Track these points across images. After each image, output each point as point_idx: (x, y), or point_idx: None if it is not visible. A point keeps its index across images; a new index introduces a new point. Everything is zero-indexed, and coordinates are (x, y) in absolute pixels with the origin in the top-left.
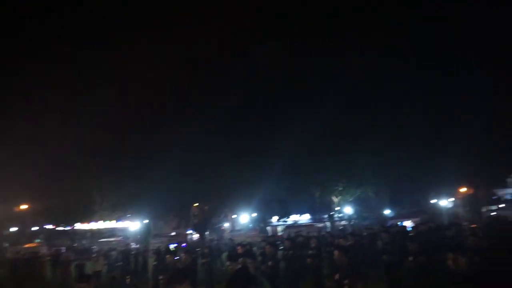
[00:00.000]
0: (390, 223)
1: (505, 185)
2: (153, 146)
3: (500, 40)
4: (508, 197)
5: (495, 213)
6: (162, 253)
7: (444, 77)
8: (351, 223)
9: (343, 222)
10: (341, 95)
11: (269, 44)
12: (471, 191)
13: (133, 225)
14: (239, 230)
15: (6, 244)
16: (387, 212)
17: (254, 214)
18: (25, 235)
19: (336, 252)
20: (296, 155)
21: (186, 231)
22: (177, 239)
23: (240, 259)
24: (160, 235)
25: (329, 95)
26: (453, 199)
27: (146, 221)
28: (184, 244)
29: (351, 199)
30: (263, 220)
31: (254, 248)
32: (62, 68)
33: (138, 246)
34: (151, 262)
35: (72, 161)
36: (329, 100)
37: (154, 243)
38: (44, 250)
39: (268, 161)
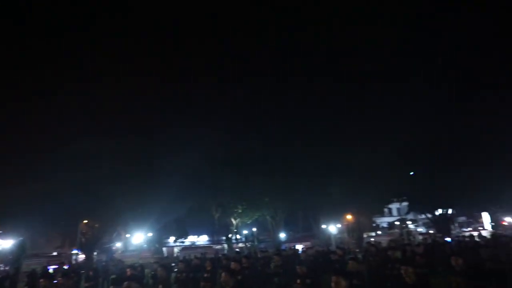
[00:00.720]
0: (284, 246)
1: (382, 214)
2: (36, 152)
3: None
4: (384, 224)
5: (373, 239)
6: (36, 277)
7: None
8: (248, 245)
9: (240, 245)
10: (240, 120)
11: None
12: (355, 218)
13: (4, 243)
14: (132, 251)
15: None
16: (282, 235)
17: (150, 234)
18: None
19: (223, 275)
20: (196, 176)
21: (72, 250)
22: (60, 260)
23: (125, 283)
24: (39, 255)
25: (229, 118)
26: (340, 225)
27: (20, 238)
28: (66, 266)
29: (249, 222)
30: (158, 241)
31: (147, 271)
32: None
33: (7, 268)
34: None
35: None
36: (230, 122)
37: (30, 265)
38: None
39: (166, 180)
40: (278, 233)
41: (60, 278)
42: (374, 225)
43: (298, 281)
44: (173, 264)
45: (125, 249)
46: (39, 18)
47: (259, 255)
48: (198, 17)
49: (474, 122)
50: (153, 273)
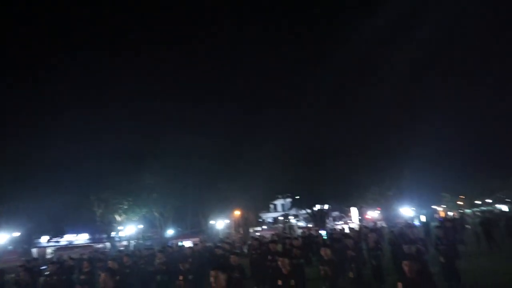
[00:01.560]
0: (171, 243)
1: (268, 210)
2: None
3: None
4: (270, 220)
5: (258, 233)
6: None
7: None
8: (133, 243)
9: (124, 243)
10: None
11: None
12: (242, 214)
13: None
14: None
15: None
16: (170, 232)
17: (16, 234)
18: None
19: (102, 275)
20: (77, 168)
21: None
22: None
23: None
24: None
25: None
26: (228, 220)
27: None
28: None
29: (135, 219)
30: (27, 241)
31: (11, 276)
32: None
33: None
34: None
35: None
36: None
37: None
38: None
39: (39, 170)
40: (166, 229)
41: None
42: (260, 220)
43: (181, 277)
44: (43, 267)
45: None
46: None
47: (144, 253)
48: None
49: (346, 136)
50: (16, 278)
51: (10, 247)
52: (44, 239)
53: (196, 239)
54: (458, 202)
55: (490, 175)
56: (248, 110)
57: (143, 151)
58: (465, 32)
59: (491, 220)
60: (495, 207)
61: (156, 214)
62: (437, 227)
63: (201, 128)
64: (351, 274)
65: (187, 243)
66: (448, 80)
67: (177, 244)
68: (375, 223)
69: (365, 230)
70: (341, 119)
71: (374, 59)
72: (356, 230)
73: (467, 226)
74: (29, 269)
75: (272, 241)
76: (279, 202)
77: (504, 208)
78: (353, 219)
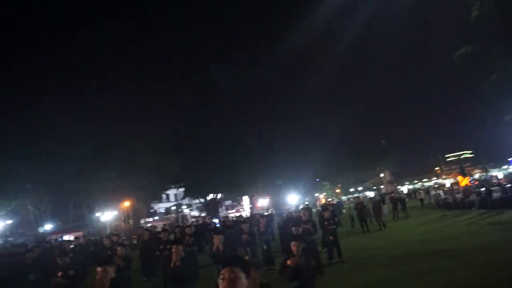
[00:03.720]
0: (49, 238)
1: (160, 200)
2: None
3: None
4: (162, 210)
5: (149, 224)
6: None
7: None
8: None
9: None
10: None
11: None
12: (132, 204)
13: None
14: None
15: None
16: (48, 227)
17: None
18: None
19: None
20: None
21: None
22: None
23: None
24: None
25: None
26: (116, 212)
27: None
28: None
29: (3, 213)
30: None
31: None
32: None
33: None
34: None
35: None
36: None
37: None
38: None
39: None
40: (42, 224)
41: None
42: (151, 211)
43: (60, 273)
44: None
45: None
46: None
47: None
48: None
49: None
50: None
51: None
52: None
53: (79, 233)
54: (336, 190)
55: (361, 168)
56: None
57: (12, 139)
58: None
59: (362, 204)
60: (364, 194)
61: (29, 207)
62: (323, 210)
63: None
64: (246, 257)
65: (68, 237)
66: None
67: (56, 239)
68: (266, 210)
69: (257, 216)
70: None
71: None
72: (248, 217)
73: (343, 210)
74: None
75: (164, 230)
76: (171, 192)
77: (371, 194)
78: (245, 208)
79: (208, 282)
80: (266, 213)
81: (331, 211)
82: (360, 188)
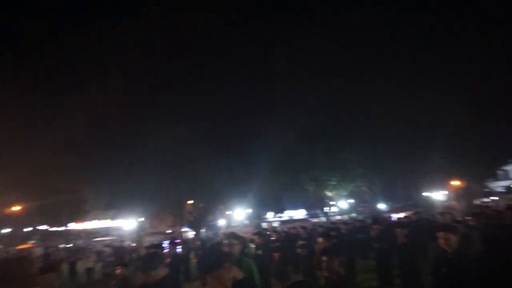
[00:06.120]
0: (383, 216)
1: (496, 178)
2: (145, 144)
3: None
4: (500, 189)
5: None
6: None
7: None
8: (345, 217)
9: (337, 217)
10: (329, 92)
11: None
12: (463, 184)
13: (128, 224)
14: (234, 227)
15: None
16: (382, 206)
17: (249, 211)
18: (18, 236)
19: (319, 239)
20: (288, 151)
21: (182, 228)
22: (173, 235)
23: (227, 240)
24: (156, 233)
25: (317, 91)
26: (446, 192)
27: (141, 219)
28: (176, 240)
29: (345, 194)
30: (258, 216)
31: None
32: (46, 63)
33: (132, 244)
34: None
35: (62, 160)
36: (318, 96)
37: (150, 241)
38: (38, 251)
39: (260, 158)
40: (376, 203)
41: (168, 245)
42: (487, 190)
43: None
44: (272, 239)
45: (228, 225)
46: None
47: (356, 224)
48: None
49: None
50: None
51: (246, 222)
52: (269, 215)
53: (410, 212)
54: None
55: None
56: None
57: (345, 127)
58: None
59: None
60: None
61: (364, 188)
62: None
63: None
64: None
65: (399, 216)
66: None
67: (389, 216)
68: None
69: None
70: None
71: None
72: None
73: None
74: (260, 233)
75: (509, 208)
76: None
77: None
78: None
79: None
80: None
81: None
82: None
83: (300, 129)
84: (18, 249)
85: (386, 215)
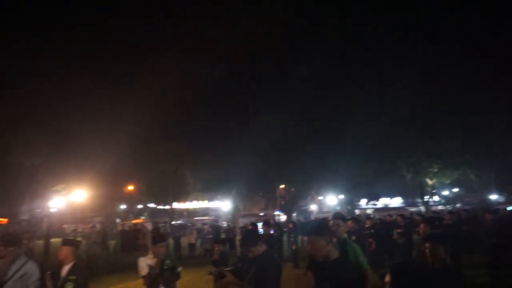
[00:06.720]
0: (495, 208)
1: None
2: (240, 131)
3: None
4: None
5: None
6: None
7: None
8: (449, 207)
9: (439, 207)
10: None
11: None
12: None
13: (224, 205)
14: (326, 212)
15: (118, 220)
16: (493, 197)
17: (341, 196)
18: (132, 212)
19: (422, 226)
20: (382, 138)
21: (274, 212)
22: (266, 218)
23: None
24: (249, 215)
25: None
26: None
27: (235, 201)
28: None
29: (448, 182)
30: (350, 203)
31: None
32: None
33: (228, 224)
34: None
35: (166, 146)
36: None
37: (244, 222)
38: (148, 225)
39: (353, 143)
40: (486, 194)
41: (262, 227)
42: None
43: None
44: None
45: (319, 211)
46: None
47: (462, 215)
48: None
49: None
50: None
51: (338, 208)
52: (363, 202)
53: None
54: None
55: None
56: None
57: (445, 112)
58: None
59: None
60: None
61: (472, 177)
62: None
63: None
64: None
65: None
66: None
67: (504, 209)
68: None
69: None
70: None
71: None
72: None
73: None
74: (354, 219)
75: None
76: None
77: None
78: None
79: None
80: None
81: None
82: None
83: (395, 113)
84: (132, 222)
85: (500, 206)
